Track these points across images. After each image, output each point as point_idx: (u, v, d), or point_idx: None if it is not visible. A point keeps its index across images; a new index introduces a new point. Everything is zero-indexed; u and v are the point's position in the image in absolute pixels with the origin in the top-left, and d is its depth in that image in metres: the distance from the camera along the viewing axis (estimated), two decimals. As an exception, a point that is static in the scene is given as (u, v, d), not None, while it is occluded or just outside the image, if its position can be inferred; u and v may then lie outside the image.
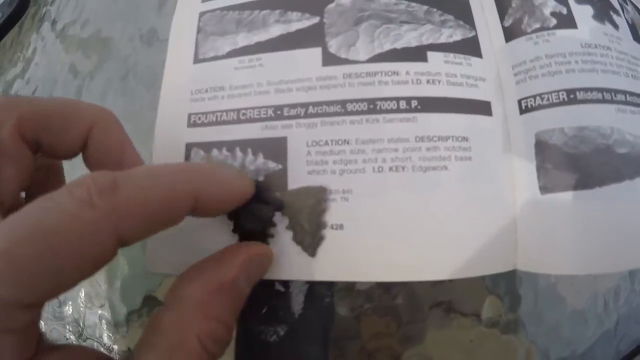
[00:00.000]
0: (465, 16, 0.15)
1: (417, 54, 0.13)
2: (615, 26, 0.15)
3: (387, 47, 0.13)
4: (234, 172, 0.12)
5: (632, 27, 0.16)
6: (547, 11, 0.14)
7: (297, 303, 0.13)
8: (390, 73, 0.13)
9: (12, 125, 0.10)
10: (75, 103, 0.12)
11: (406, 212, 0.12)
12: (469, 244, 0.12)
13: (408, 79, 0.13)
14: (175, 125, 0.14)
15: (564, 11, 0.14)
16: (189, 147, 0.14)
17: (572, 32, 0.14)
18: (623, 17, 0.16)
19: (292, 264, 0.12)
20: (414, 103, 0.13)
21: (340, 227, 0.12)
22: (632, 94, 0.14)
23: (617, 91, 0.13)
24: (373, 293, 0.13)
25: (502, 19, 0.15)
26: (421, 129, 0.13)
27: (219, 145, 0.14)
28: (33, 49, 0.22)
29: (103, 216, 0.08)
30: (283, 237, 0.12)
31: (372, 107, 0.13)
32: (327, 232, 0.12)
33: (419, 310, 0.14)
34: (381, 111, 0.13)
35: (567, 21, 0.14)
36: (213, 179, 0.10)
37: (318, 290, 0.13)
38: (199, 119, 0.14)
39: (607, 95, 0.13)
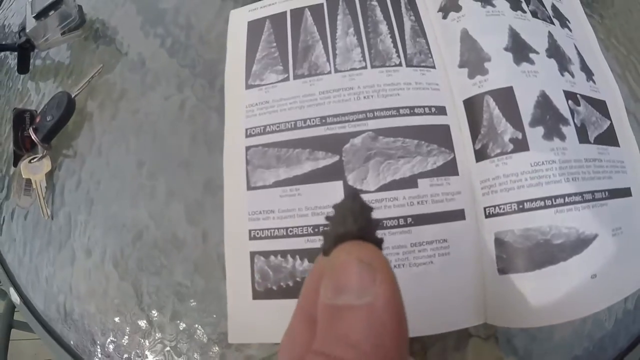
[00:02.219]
0: (445, 141, 0.19)
1: (410, 182, 0.18)
2: (562, 137, 0.19)
3: (389, 179, 0.18)
4: None
5: (581, 128, 0.20)
6: (506, 137, 0.19)
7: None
8: (391, 199, 0.18)
9: None
10: None
11: (407, 296, 0.18)
12: (447, 306, 0.18)
13: (404, 203, 0.18)
14: (239, 239, 0.19)
15: (520, 136, 0.19)
16: (252, 254, 0.19)
17: (525, 154, 0.18)
18: (572, 123, 0.20)
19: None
20: (409, 220, 0.18)
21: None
22: (569, 195, 0.18)
23: (556, 197, 0.18)
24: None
25: (474, 142, 0.19)
26: (414, 237, 0.18)
27: (275, 253, 0.19)
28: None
29: None
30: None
31: (381, 225, 0.18)
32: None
33: None
34: (387, 227, 0.18)
35: (521, 145, 0.18)
36: None
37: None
38: (257, 234, 0.19)
39: (548, 202, 0.18)
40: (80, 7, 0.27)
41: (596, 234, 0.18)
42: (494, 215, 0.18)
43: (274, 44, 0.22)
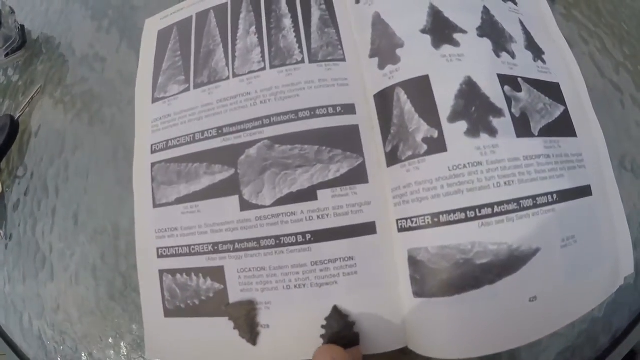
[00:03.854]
0: (353, 145, 0.16)
1: (308, 194, 0.16)
2: (493, 132, 0.16)
3: (286, 191, 0.16)
4: None
5: (520, 119, 0.16)
6: (419, 137, 0.16)
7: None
8: (289, 214, 0.16)
9: None
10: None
11: (310, 316, 0.16)
12: (363, 330, 0.15)
13: (302, 217, 0.16)
14: (149, 257, 0.18)
15: (435, 134, 0.15)
16: (160, 273, 0.18)
17: (441, 156, 0.15)
18: (508, 114, 0.16)
19: (242, 352, 0.16)
20: (308, 236, 0.16)
21: (267, 326, 0.17)
22: (500, 203, 0.15)
23: (482, 206, 0.15)
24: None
25: (384, 143, 0.16)
26: (315, 256, 0.16)
27: (180, 271, 0.18)
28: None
29: None
30: (232, 335, 0.16)
31: (278, 242, 0.16)
32: (261, 330, 0.16)
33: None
34: (285, 245, 0.16)
35: (437, 145, 0.15)
36: None
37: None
38: (164, 252, 0.18)
39: (471, 213, 0.15)
40: (22, 27, 0.27)
41: (537, 248, 0.15)
42: (406, 229, 0.15)
43: (179, 53, 0.20)
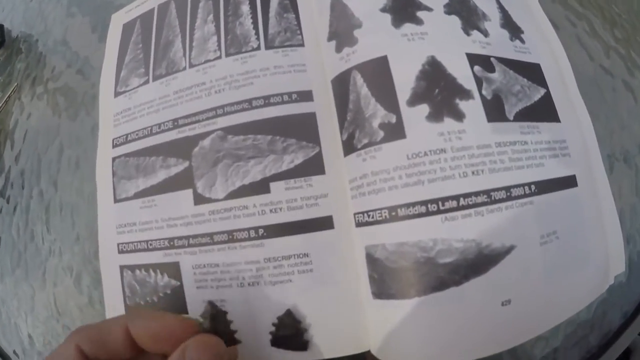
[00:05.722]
0: (309, 133, 0.15)
1: (261, 187, 0.15)
2: (459, 116, 0.14)
3: (238, 184, 0.15)
4: (170, 316, 0.13)
5: (492, 102, 0.14)
6: (375, 123, 0.14)
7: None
8: (241, 207, 0.15)
9: (74, 349, 0.12)
10: (114, 321, 0.13)
11: (264, 315, 0.15)
12: (319, 330, 0.14)
13: (255, 211, 0.15)
14: (110, 252, 0.17)
15: (393, 120, 0.14)
16: (121, 268, 0.17)
17: (399, 143, 0.13)
18: (477, 96, 0.14)
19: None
20: (260, 231, 0.14)
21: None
22: (467, 195, 0.13)
23: (446, 199, 0.13)
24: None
25: (341, 132, 0.15)
26: (268, 252, 0.14)
27: (139, 267, 0.17)
28: None
29: None
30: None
31: (231, 237, 0.15)
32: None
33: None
34: (237, 240, 0.15)
35: (395, 131, 0.13)
36: (139, 316, 0.12)
37: None
38: (124, 247, 0.17)
39: (433, 207, 0.13)
40: (1, 26, 0.27)
41: (512, 245, 0.13)
42: (363, 224, 0.14)
43: (140, 45, 0.19)
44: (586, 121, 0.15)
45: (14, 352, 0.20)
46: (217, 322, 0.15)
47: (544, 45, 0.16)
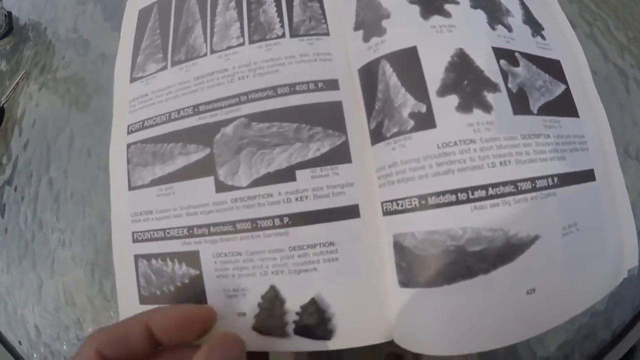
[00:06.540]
0: (336, 122, 0.15)
1: (286, 174, 0.14)
2: (487, 108, 0.14)
3: (263, 172, 0.15)
4: (187, 305, 0.13)
5: (517, 95, 0.14)
6: (405, 112, 0.14)
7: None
8: (265, 195, 0.14)
9: (94, 353, 0.12)
10: (133, 319, 0.13)
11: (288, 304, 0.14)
12: (341, 320, 0.14)
13: (280, 199, 0.14)
14: (124, 241, 0.17)
15: (423, 109, 0.14)
16: (135, 258, 0.17)
17: (430, 133, 0.13)
18: (504, 89, 0.14)
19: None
20: (285, 220, 0.14)
21: (244, 314, 0.15)
22: (495, 185, 0.13)
23: (475, 188, 0.13)
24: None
25: (369, 120, 0.15)
26: (293, 240, 0.14)
27: (155, 256, 0.16)
28: None
29: None
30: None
31: (255, 225, 0.14)
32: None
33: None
34: (261, 228, 0.14)
35: (425, 121, 0.13)
36: (157, 311, 0.13)
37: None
38: (139, 236, 0.17)
39: (462, 196, 0.13)
40: (9, 13, 0.26)
41: (536, 235, 0.13)
42: (392, 212, 0.14)
43: (158, 31, 0.18)
44: (602, 117, 0.16)
45: (19, 342, 0.19)
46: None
47: (563, 43, 0.16)
